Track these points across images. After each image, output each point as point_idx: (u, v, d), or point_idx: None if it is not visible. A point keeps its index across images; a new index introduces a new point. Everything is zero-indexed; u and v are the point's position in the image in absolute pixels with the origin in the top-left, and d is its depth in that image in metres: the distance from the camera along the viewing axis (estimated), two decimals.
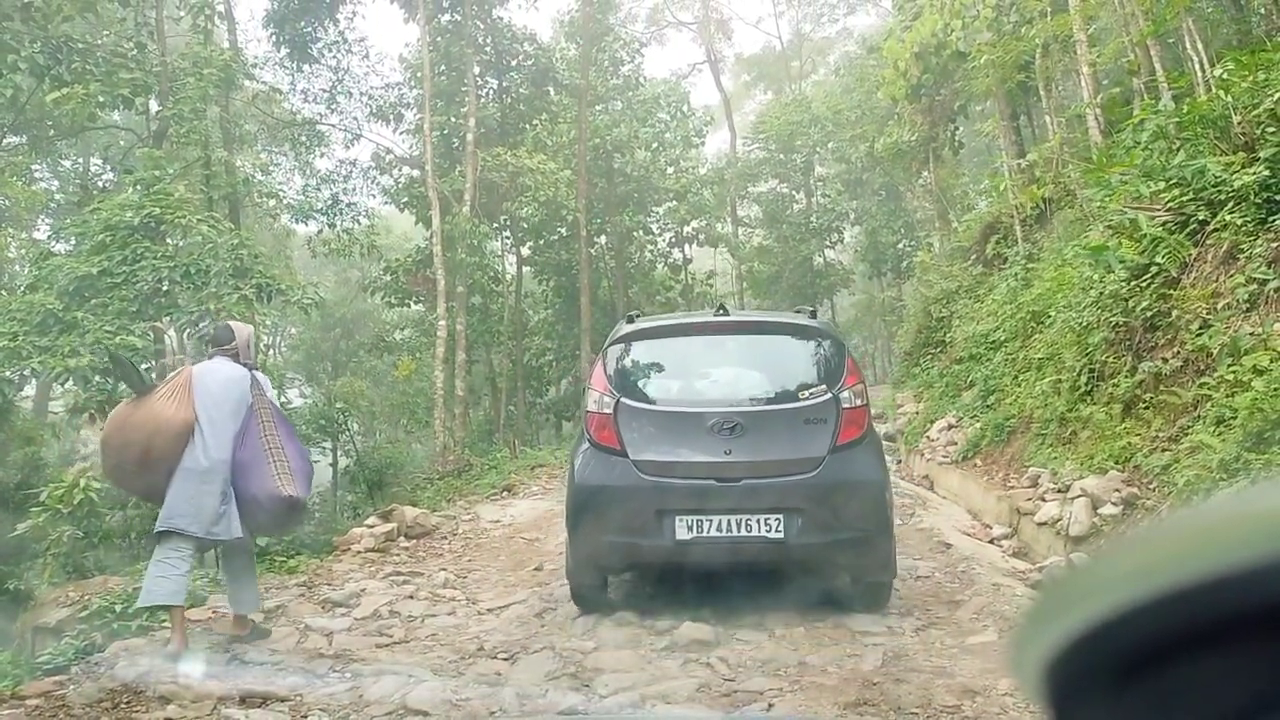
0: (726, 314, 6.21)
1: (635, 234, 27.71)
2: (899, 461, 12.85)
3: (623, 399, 5.69)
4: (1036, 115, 17.51)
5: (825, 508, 5.36)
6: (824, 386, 5.65)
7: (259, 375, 5.61)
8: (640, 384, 5.99)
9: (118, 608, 6.52)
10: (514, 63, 21.84)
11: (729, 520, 5.34)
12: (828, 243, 34.25)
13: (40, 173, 23.44)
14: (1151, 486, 6.41)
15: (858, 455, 5.50)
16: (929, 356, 15.22)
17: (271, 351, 28.60)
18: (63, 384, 11.85)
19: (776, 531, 5.29)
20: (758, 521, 5.32)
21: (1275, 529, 0.44)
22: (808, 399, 5.63)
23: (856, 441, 5.50)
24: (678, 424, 5.72)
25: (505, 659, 4.93)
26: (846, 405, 5.53)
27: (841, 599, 5.62)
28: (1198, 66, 9.53)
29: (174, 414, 5.19)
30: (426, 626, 5.67)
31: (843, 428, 5.47)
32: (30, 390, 21.23)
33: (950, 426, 11.28)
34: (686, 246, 31.58)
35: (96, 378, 10.98)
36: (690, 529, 5.33)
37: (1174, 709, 0.49)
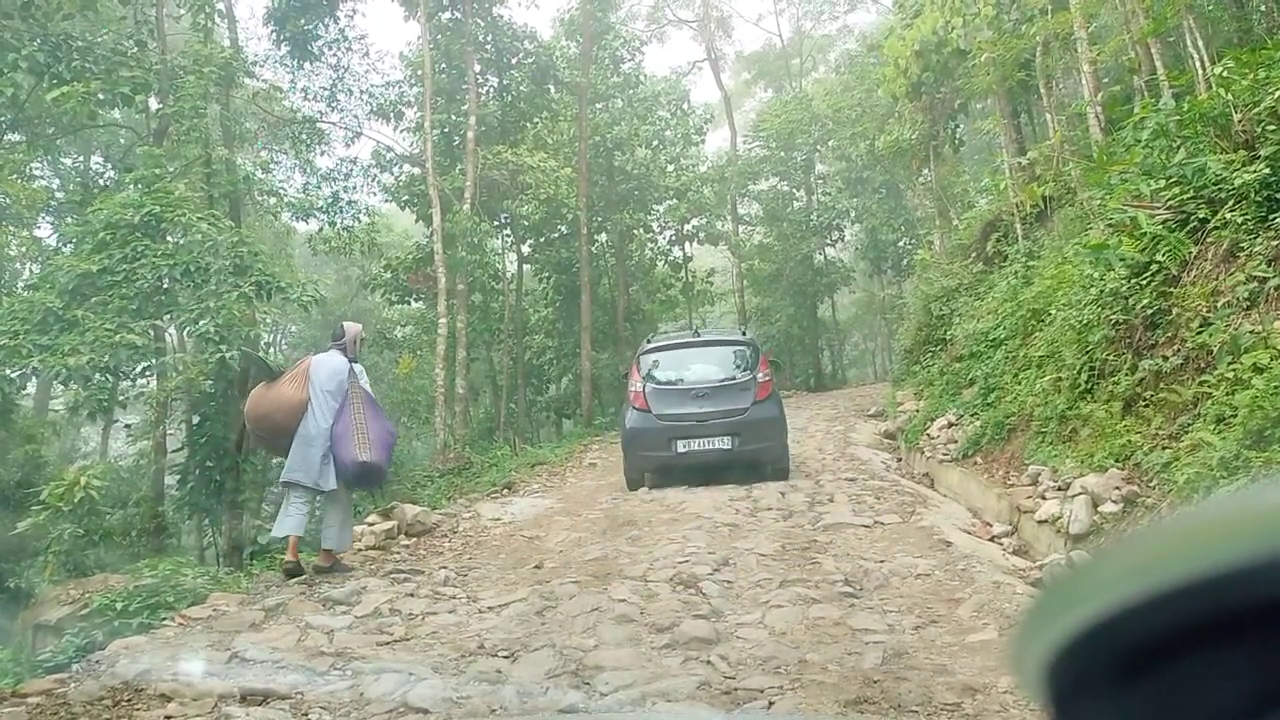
0: (699, 335, 12.43)
1: (636, 232, 27.71)
2: (899, 460, 12.85)
3: (648, 383, 10.57)
4: (1037, 113, 17.48)
5: (750, 431, 10.16)
6: (749, 371, 10.69)
7: (356, 367, 7.33)
8: (656, 374, 10.75)
9: (118, 605, 6.55)
10: (514, 60, 21.81)
11: (703, 440, 10.18)
12: (828, 241, 34.22)
13: (40, 171, 23.39)
14: (1152, 484, 6.41)
15: (766, 406, 10.39)
16: (929, 354, 15.20)
17: (272, 349, 28.57)
18: (64, 383, 11.86)
19: (727, 445, 10.14)
20: (718, 440, 10.16)
21: (1274, 527, 0.45)
22: (740, 378, 10.62)
23: (766, 399, 10.42)
24: (676, 393, 10.53)
25: (506, 657, 4.93)
26: (760, 380, 10.50)
27: (763, 477, 10.09)
28: (1198, 64, 9.52)
29: (293, 395, 7.08)
30: (427, 624, 5.67)
31: (758, 392, 10.40)
32: (31, 388, 21.25)
33: (951, 424, 11.27)
34: (687, 244, 31.57)
35: (97, 376, 10.99)
36: (685, 445, 10.18)
37: (1174, 707, 0.49)
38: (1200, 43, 9.91)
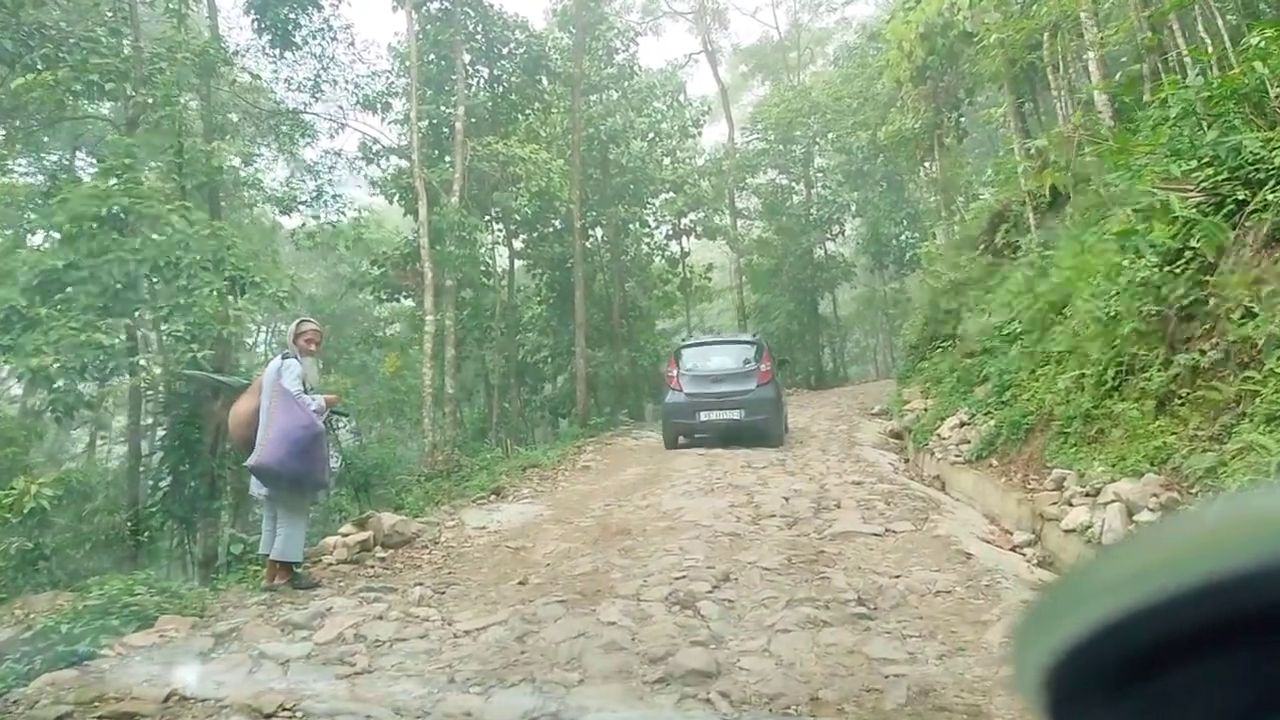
0: (720, 336, 18.19)
1: (631, 226, 27.10)
2: (907, 461, 12.29)
3: (681, 370, 14.03)
4: (1043, 101, 16.94)
5: (753, 407, 13.33)
6: (755, 363, 13.91)
7: (286, 362, 6.82)
8: (688, 364, 14.25)
9: (63, 628, 5.94)
10: (505, 50, 21.19)
11: (719, 412, 13.45)
12: (828, 235, 33.68)
13: (25, 167, 22.75)
14: (1194, 490, 5.83)
15: (766, 389, 13.60)
16: (937, 350, 14.65)
17: (259, 349, 27.96)
18: (27, 385, 11.26)
19: (736, 416, 13.36)
20: (729, 412, 13.40)
21: (1275, 533, 0.44)
22: (747, 367, 13.86)
23: (766, 383, 13.66)
24: (701, 377, 13.85)
25: (479, 694, 4.35)
26: (762, 370, 13.73)
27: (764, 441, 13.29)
28: (1210, 43, 9.06)
29: (245, 405, 6.93)
30: (394, 653, 5.08)
31: (760, 378, 13.61)
32: (18, 389, 20.69)
33: (963, 424, 10.69)
34: (684, 239, 30.96)
35: (61, 378, 10.37)
36: (705, 415, 13.53)
37: (1174, 714, 0.48)
38: (1219, 20, 9.45)
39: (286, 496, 6.73)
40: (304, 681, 4.65)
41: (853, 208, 32.55)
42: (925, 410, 12.90)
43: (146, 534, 12.04)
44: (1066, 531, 6.61)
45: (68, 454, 26.20)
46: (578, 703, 4.15)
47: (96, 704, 4.31)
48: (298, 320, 7.39)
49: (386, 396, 22.64)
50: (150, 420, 16.32)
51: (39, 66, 12.88)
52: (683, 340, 16.91)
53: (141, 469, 13.46)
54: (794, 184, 33.68)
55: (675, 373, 14.18)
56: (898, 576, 6.08)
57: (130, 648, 5.33)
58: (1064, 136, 11.54)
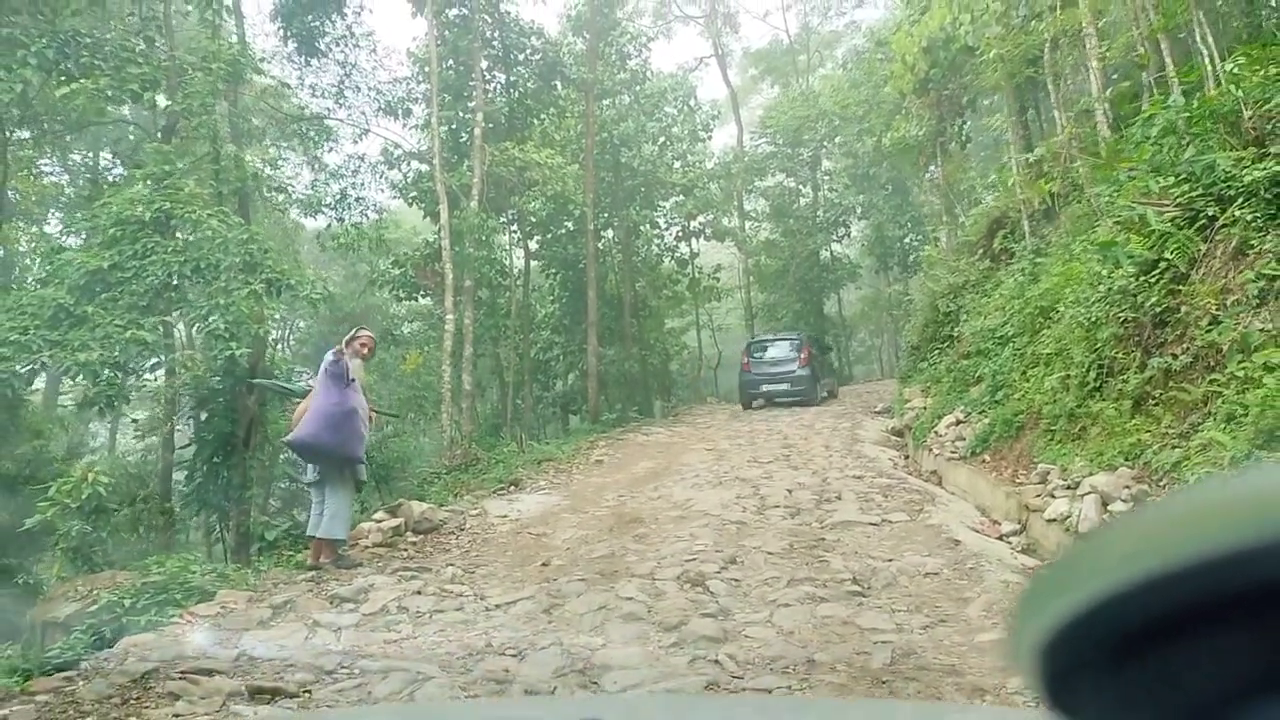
0: (776, 334, 25.79)
1: (642, 228, 27.67)
2: (906, 457, 12.82)
3: (750, 358, 22.80)
4: (1045, 110, 17.40)
5: (796, 381, 21.67)
6: (797, 352, 22.19)
7: (328, 356, 7.40)
8: (754, 353, 22.96)
9: (127, 602, 6.56)
10: (521, 57, 21.78)
11: (774, 385, 21.87)
12: (834, 237, 34.18)
13: (50, 167, 23.44)
14: (1162, 483, 6.38)
15: (805, 369, 21.70)
16: (936, 351, 15.17)
17: (280, 345, 28.59)
18: (73, 378, 11.88)
19: (786, 387, 21.70)
20: (781, 384, 21.76)
21: (1268, 510, 0.45)
22: (792, 354, 22.17)
23: (805, 365, 21.76)
24: (763, 362, 22.42)
25: (513, 655, 4.93)
26: (801, 357, 21.92)
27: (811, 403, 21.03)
28: (1207, 61, 9.47)
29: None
30: (434, 623, 5.67)
31: (800, 362, 21.83)
32: (40, 383, 21.30)
33: (959, 422, 11.24)
34: (693, 240, 31.52)
35: (106, 372, 10.99)
36: (766, 387, 22.02)
37: (1169, 690, 0.50)
38: (1210, 39, 9.85)
39: (330, 474, 7.33)
40: (357, 645, 5.24)
41: (858, 210, 33.07)
42: (925, 409, 13.41)
43: (182, 520, 12.68)
44: (1048, 521, 7.16)
45: (87, 447, 26.87)
46: (601, 661, 4.72)
47: (177, 661, 4.90)
48: (356, 328, 8.05)
49: (405, 393, 23.25)
50: (184, 413, 17.01)
51: (75, 74, 13.49)
52: (753, 338, 25.09)
53: (175, 461, 14.09)
54: (801, 187, 34.21)
55: (746, 359, 22.52)
56: (890, 560, 6.65)
57: (197, 616, 5.93)
58: (1058, 148, 12.05)
